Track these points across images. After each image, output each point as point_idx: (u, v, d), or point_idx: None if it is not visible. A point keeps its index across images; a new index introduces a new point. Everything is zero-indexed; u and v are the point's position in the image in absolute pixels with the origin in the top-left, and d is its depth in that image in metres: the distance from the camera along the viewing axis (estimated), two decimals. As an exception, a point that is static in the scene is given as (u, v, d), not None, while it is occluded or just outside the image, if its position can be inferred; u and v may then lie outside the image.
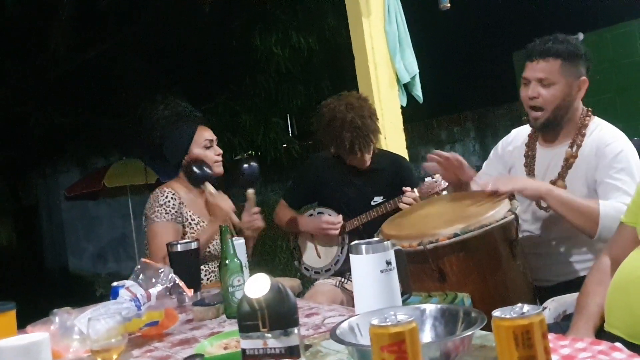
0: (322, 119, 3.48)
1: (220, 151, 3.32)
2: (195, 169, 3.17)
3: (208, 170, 3.19)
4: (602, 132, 2.66)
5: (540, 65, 2.64)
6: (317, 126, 3.53)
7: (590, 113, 2.75)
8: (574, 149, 2.67)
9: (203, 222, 3.18)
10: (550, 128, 2.73)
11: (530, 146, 2.85)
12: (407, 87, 4.32)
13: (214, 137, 3.31)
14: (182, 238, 3.10)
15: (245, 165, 3.26)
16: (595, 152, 2.61)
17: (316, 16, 9.87)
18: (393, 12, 4.22)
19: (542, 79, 2.63)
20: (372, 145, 3.45)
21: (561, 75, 2.62)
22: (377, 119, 3.48)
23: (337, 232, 3.50)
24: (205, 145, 3.25)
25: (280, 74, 10.06)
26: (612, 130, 2.68)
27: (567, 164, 2.67)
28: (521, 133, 2.95)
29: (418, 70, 4.30)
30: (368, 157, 3.48)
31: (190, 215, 3.16)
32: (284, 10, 9.85)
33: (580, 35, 7.81)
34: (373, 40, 4.20)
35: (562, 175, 2.66)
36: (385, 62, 4.22)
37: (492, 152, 3.09)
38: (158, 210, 3.10)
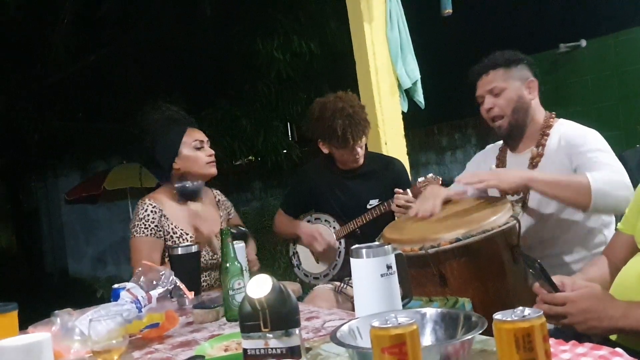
0: (312, 113, 3.52)
1: (212, 152, 3.26)
2: (177, 185, 3.15)
3: (190, 186, 3.15)
4: (566, 129, 2.77)
5: (485, 79, 2.84)
6: (308, 121, 3.55)
7: (554, 116, 2.86)
8: (540, 148, 2.78)
9: (187, 234, 3.12)
10: (517, 133, 2.85)
11: (501, 157, 2.98)
12: (408, 93, 4.32)
13: (205, 138, 3.26)
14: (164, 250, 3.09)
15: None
16: (563, 147, 2.71)
17: (318, 21, 9.88)
18: (395, 17, 4.22)
19: (491, 90, 2.81)
20: (364, 136, 3.46)
21: (507, 81, 2.80)
22: (366, 113, 3.51)
23: (321, 247, 3.51)
24: (195, 146, 3.19)
25: (281, 79, 10.07)
26: (576, 125, 2.80)
27: (533, 162, 2.77)
28: (494, 147, 3.09)
29: (420, 76, 4.30)
30: (361, 152, 3.49)
31: (172, 228, 3.11)
32: (285, 15, 9.85)
33: (583, 42, 7.84)
34: (374, 46, 4.20)
35: None
36: (387, 67, 4.23)
37: (468, 164, 3.23)
38: (138, 224, 3.08)
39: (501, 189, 2.62)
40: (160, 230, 3.08)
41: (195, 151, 3.20)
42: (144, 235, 3.06)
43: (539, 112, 2.85)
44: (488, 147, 3.17)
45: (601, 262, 2.21)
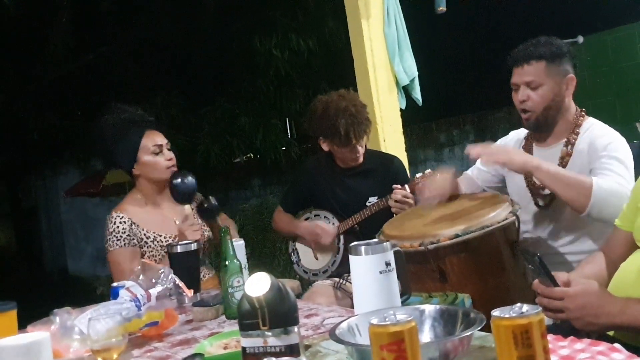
0: (315, 111, 3.50)
1: (172, 156, 3.19)
2: (176, 189, 3.10)
3: (190, 185, 3.11)
4: (595, 130, 2.72)
5: (526, 69, 2.72)
6: (310, 119, 3.54)
7: (584, 113, 2.80)
8: (569, 147, 2.73)
9: (160, 236, 3.10)
10: (543, 127, 2.80)
11: (527, 148, 2.91)
12: (406, 90, 4.32)
13: (165, 141, 3.20)
14: (142, 257, 3.06)
15: (178, 181, 3.12)
16: (587, 149, 2.67)
17: (316, 19, 9.87)
18: (392, 14, 4.22)
19: (529, 82, 2.72)
20: (366, 136, 3.46)
21: (547, 76, 2.70)
22: (368, 112, 3.50)
23: (328, 240, 3.51)
24: (154, 152, 3.13)
25: (280, 77, 10.05)
26: (604, 128, 2.75)
27: (563, 162, 2.72)
28: (519, 135, 3.02)
29: (417, 73, 4.30)
30: (361, 151, 3.48)
31: (145, 234, 3.08)
32: (283, 12, 9.84)
33: (580, 39, 7.83)
34: (372, 43, 4.19)
35: None
36: (385, 64, 4.22)
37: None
38: (110, 238, 3.06)
39: (508, 168, 2.61)
40: (133, 239, 3.06)
41: (154, 157, 3.14)
42: (117, 247, 3.04)
43: (570, 108, 2.79)
44: (512, 134, 3.10)
45: (598, 259, 2.21)
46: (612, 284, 2.02)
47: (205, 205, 3.14)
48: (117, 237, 3.04)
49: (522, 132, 3.00)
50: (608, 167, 2.54)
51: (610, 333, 1.86)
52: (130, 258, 3.02)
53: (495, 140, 3.19)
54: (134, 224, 3.08)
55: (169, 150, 3.21)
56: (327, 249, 3.59)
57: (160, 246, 3.08)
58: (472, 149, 2.63)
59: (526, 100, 2.73)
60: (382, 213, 3.32)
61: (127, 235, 3.05)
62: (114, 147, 3.16)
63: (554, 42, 2.76)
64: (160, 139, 3.19)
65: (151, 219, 3.14)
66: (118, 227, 3.06)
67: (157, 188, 3.19)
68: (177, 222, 3.16)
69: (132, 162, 3.14)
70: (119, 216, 3.09)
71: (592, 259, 2.25)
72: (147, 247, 3.08)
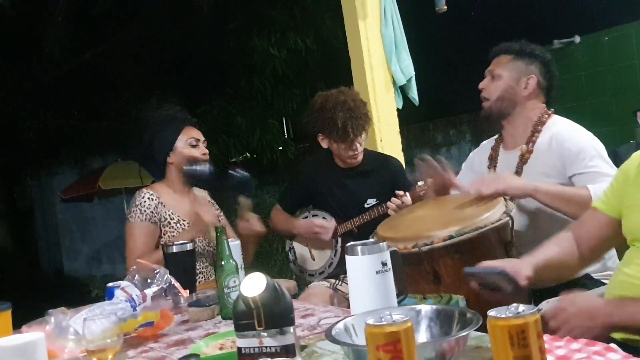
0: (314, 106, 3.52)
1: (206, 151, 3.30)
2: (188, 167, 3.17)
3: (203, 169, 3.18)
4: (558, 128, 2.75)
5: (494, 60, 2.89)
6: (309, 113, 3.54)
7: (550, 113, 2.84)
8: (530, 145, 2.77)
9: (184, 220, 3.16)
10: (495, 117, 2.88)
11: (494, 152, 2.98)
12: (403, 90, 4.32)
13: (202, 138, 3.31)
14: (161, 237, 3.14)
15: (235, 173, 3.21)
16: (554, 148, 2.68)
17: (313, 18, 9.86)
18: (389, 14, 4.22)
19: (491, 71, 2.86)
20: (364, 132, 3.45)
21: (508, 69, 2.83)
22: (367, 109, 3.51)
23: (328, 236, 3.50)
24: (190, 144, 3.25)
25: (276, 76, 10.04)
26: (570, 126, 2.78)
27: (523, 159, 2.77)
28: (488, 143, 3.08)
29: (414, 73, 4.30)
30: (360, 149, 3.47)
31: (170, 215, 3.16)
32: (280, 11, 9.83)
33: (577, 38, 7.84)
34: (369, 43, 4.20)
35: (517, 171, 2.76)
36: (382, 64, 4.22)
37: (463, 164, 3.21)
38: (134, 210, 3.14)
39: (508, 195, 2.60)
40: (155, 216, 3.13)
41: (190, 148, 3.25)
42: (138, 220, 3.11)
43: (533, 110, 2.82)
44: (483, 144, 3.15)
45: (565, 240, 2.20)
46: (610, 286, 2.02)
47: (232, 173, 3.18)
48: (140, 210, 3.12)
49: (491, 141, 3.07)
50: (595, 170, 2.55)
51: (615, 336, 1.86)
52: (146, 233, 3.11)
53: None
54: (161, 203, 3.17)
55: (205, 147, 3.33)
56: (325, 245, 3.58)
57: (183, 229, 3.14)
58: (471, 188, 2.61)
59: (485, 87, 2.88)
60: (382, 218, 3.30)
61: (150, 212, 3.13)
62: (154, 138, 3.27)
63: (530, 45, 2.88)
64: (198, 135, 3.32)
65: (178, 204, 3.22)
66: (145, 202, 3.14)
67: None
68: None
69: (168, 150, 3.24)
70: (148, 192, 3.19)
71: (559, 240, 2.23)
72: (169, 227, 3.15)
